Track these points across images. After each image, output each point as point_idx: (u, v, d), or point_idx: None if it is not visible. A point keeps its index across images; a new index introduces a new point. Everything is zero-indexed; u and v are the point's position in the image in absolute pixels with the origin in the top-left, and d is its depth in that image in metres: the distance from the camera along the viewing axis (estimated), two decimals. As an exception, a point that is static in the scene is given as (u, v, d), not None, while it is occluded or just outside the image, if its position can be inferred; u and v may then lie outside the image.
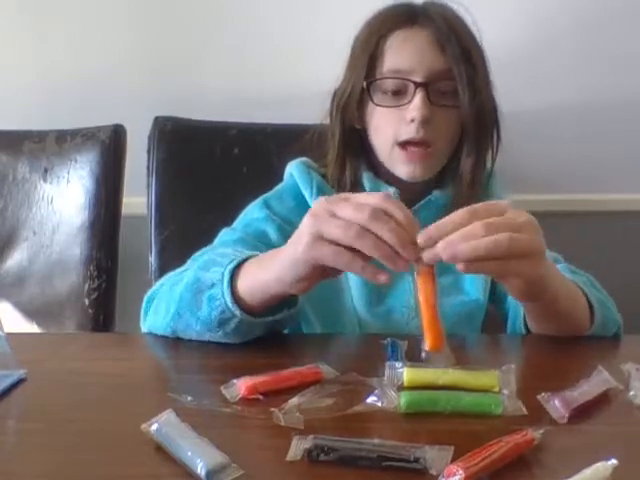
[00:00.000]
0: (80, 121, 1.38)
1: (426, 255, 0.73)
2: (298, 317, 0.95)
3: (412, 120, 1.02)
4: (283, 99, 1.49)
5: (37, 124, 1.39)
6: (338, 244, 0.74)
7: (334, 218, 0.74)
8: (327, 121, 1.13)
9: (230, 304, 0.84)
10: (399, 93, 1.04)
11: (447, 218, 0.74)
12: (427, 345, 0.74)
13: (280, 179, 1.15)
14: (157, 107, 1.41)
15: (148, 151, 1.35)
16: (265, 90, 1.50)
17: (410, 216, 0.74)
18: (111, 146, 1.35)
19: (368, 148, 1.10)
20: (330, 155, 1.11)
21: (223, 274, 0.85)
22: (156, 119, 1.37)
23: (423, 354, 0.74)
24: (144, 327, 0.97)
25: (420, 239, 0.73)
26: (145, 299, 0.98)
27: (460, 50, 1.03)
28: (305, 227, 0.76)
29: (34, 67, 1.52)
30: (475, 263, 0.73)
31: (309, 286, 0.81)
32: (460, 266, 0.73)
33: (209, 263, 0.89)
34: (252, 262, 0.86)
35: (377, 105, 1.05)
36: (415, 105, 1.02)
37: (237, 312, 0.84)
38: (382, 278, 0.74)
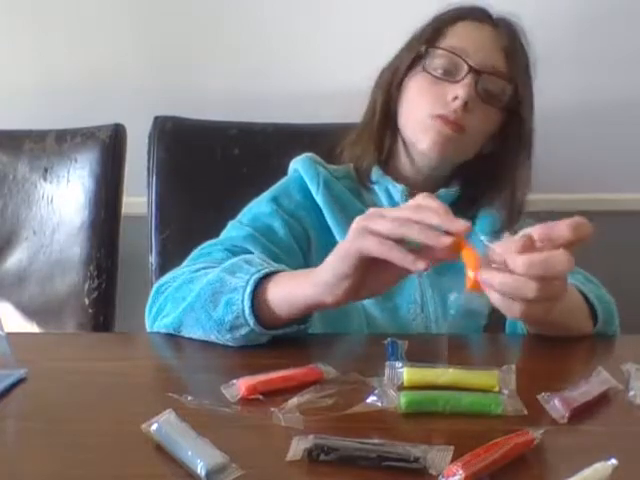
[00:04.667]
0: (80, 121, 1.38)
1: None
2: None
3: (455, 98, 1.03)
4: (283, 99, 1.48)
5: (37, 124, 1.39)
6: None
7: (380, 218, 0.76)
8: (325, 121, 1.14)
9: (247, 313, 0.84)
10: (449, 74, 1.05)
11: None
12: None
13: (280, 179, 1.15)
14: (157, 106, 1.41)
15: (148, 151, 1.35)
16: (265, 90, 1.50)
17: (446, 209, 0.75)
18: (111, 145, 1.35)
19: (390, 145, 1.12)
20: (355, 137, 1.14)
21: (248, 282, 0.85)
22: (156, 118, 1.37)
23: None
24: (149, 320, 0.96)
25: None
26: (154, 289, 0.98)
27: (524, 62, 1.09)
28: (352, 226, 0.78)
29: (34, 67, 1.52)
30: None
31: (348, 293, 0.80)
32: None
33: (235, 267, 0.89)
34: (285, 275, 0.87)
35: (426, 71, 1.06)
36: (463, 84, 1.03)
37: (251, 322, 0.84)
38: (421, 265, 0.74)
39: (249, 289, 0.84)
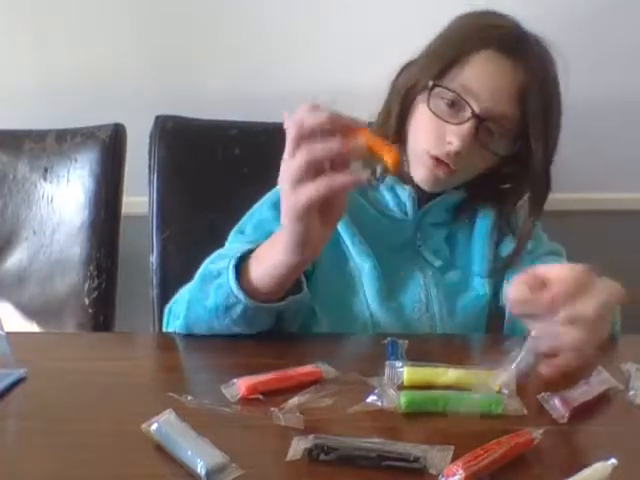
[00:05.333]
0: (80, 120, 1.38)
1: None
2: (305, 311, 0.95)
3: (449, 143, 1.02)
4: (283, 99, 1.48)
5: (37, 124, 1.39)
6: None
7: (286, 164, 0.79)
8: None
9: (235, 289, 0.85)
10: (454, 107, 1.03)
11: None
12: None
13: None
14: (157, 106, 1.41)
15: (149, 150, 1.35)
16: (265, 90, 1.50)
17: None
18: (111, 145, 1.35)
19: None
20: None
21: (230, 261, 0.87)
22: (157, 118, 1.36)
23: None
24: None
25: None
26: (166, 312, 1.00)
27: (541, 105, 1.03)
28: (281, 194, 0.79)
29: (34, 67, 1.52)
30: None
31: (314, 246, 0.80)
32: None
33: (217, 257, 0.92)
34: (260, 248, 0.87)
35: (430, 109, 1.04)
36: (461, 131, 1.01)
37: (241, 297, 0.85)
38: (363, 175, 0.76)
39: (232, 265, 0.86)
